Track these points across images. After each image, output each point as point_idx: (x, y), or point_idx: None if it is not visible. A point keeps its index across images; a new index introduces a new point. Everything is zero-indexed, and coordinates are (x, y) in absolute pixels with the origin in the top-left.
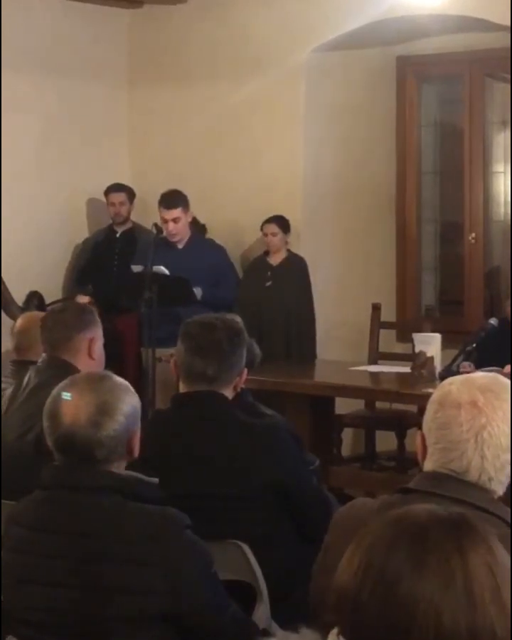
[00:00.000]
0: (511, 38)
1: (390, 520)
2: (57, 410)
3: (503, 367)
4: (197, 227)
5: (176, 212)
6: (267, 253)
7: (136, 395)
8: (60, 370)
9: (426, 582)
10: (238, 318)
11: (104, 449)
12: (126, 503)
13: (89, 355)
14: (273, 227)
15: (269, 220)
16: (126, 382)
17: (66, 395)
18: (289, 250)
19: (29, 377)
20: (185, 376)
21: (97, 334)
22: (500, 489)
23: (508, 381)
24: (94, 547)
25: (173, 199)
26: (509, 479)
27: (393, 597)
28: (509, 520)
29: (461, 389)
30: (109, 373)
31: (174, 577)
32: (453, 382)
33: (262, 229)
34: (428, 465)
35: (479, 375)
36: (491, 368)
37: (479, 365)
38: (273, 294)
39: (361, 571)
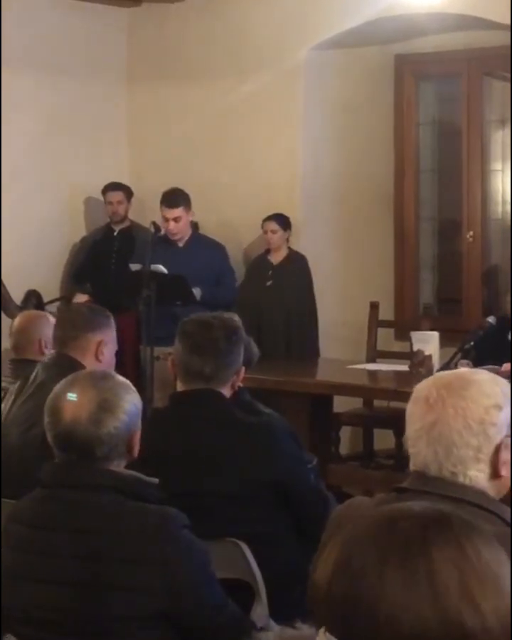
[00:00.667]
0: (511, 38)
1: (368, 516)
2: (58, 407)
3: (500, 365)
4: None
5: (178, 211)
6: (268, 251)
7: (138, 394)
8: (67, 367)
9: (388, 579)
10: (236, 317)
11: (105, 447)
12: (126, 503)
13: (97, 357)
14: (273, 225)
15: (269, 218)
16: (128, 382)
17: (71, 396)
18: (289, 248)
19: (36, 373)
20: (182, 375)
21: (107, 337)
22: (481, 483)
23: (476, 377)
24: (93, 545)
25: (175, 198)
26: (485, 473)
27: (358, 593)
28: (504, 518)
29: (424, 385)
30: (112, 372)
31: (172, 577)
32: (427, 379)
33: (262, 226)
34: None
35: (452, 371)
36: (488, 366)
37: (477, 364)
38: (274, 293)
39: (333, 566)
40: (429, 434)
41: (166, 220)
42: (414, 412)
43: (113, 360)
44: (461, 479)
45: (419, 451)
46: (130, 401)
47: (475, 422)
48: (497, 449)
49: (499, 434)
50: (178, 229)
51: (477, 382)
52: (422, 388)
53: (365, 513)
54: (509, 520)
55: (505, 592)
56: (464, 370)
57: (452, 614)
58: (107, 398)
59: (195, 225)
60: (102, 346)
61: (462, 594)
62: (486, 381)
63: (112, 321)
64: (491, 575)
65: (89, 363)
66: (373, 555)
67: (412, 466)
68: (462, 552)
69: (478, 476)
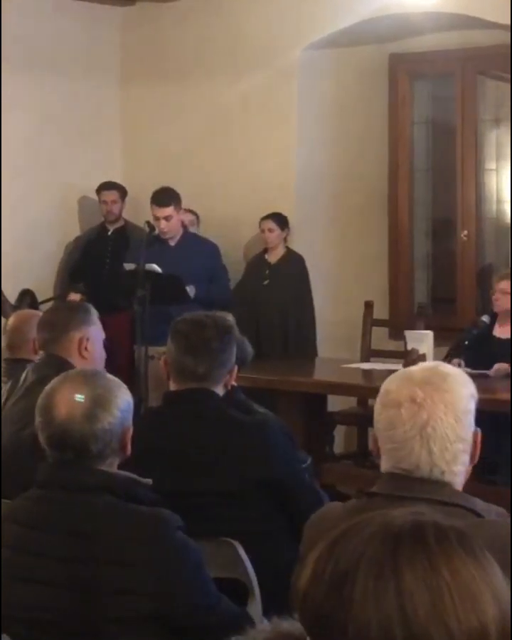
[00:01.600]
0: (511, 38)
1: (347, 527)
2: (50, 406)
3: (492, 365)
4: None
5: (168, 210)
6: (265, 251)
7: (129, 391)
8: (56, 367)
9: (357, 596)
10: (229, 316)
11: (99, 443)
12: (119, 504)
13: (81, 354)
14: (270, 224)
15: (266, 217)
16: (118, 379)
17: (79, 397)
18: (287, 247)
19: (26, 374)
20: (175, 374)
21: (90, 333)
22: (455, 480)
23: (449, 371)
24: (86, 547)
25: (165, 197)
26: (466, 467)
27: (329, 608)
28: (475, 509)
29: (400, 386)
30: (102, 370)
31: (165, 579)
32: (392, 380)
33: (259, 225)
34: (383, 465)
35: (418, 367)
36: (479, 371)
37: (470, 363)
38: (271, 292)
39: (308, 578)
40: (423, 432)
41: (157, 219)
42: (398, 414)
43: (102, 355)
44: (447, 477)
45: (410, 453)
46: (122, 397)
47: (462, 414)
48: (475, 438)
49: (473, 422)
50: (169, 228)
51: (450, 373)
52: (398, 389)
53: (338, 523)
54: (482, 514)
55: (482, 609)
56: (422, 363)
57: (420, 634)
58: (100, 394)
59: (197, 218)
60: (85, 342)
61: (432, 613)
62: (455, 371)
63: (93, 316)
64: (467, 594)
65: (77, 361)
66: (342, 572)
67: (391, 469)
68: (435, 571)
69: (460, 470)
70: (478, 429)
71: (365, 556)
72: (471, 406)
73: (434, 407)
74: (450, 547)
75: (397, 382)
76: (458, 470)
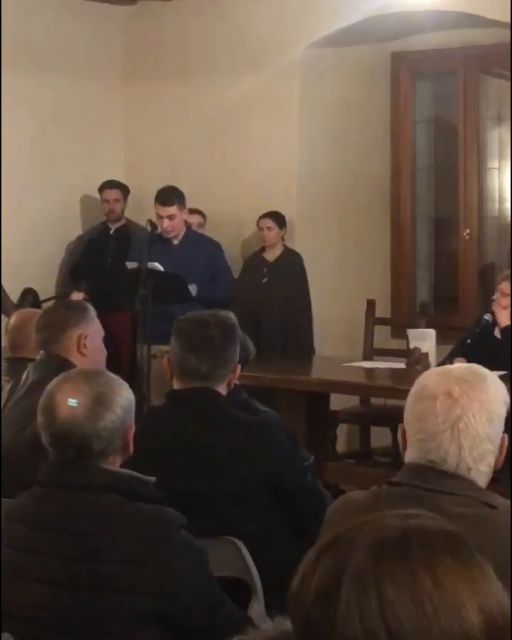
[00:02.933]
0: (511, 36)
1: (340, 533)
2: (52, 405)
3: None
4: (201, 215)
5: (172, 209)
6: (263, 249)
7: (130, 389)
8: (56, 366)
9: (341, 605)
10: (231, 315)
11: (102, 441)
12: (122, 502)
13: (80, 352)
14: (268, 222)
15: (264, 215)
16: (120, 378)
17: (72, 402)
18: (285, 246)
19: (27, 373)
20: (178, 373)
21: (87, 331)
22: (480, 479)
23: (487, 373)
24: (89, 545)
25: (169, 196)
26: (491, 470)
27: (315, 616)
28: (492, 504)
29: (438, 381)
30: (103, 369)
31: (168, 578)
32: (430, 375)
33: (257, 224)
34: (409, 456)
35: (456, 366)
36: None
37: (472, 362)
38: (269, 290)
39: (298, 582)
40: (454, 427)
41: (160, 218)
42: (432, 406)
43: (103, 351)
44: (473, 475)
45: (439, 445)
46: (124, 395)
47: (495, 415)
48: (502, 442)
49: (502, 428)
50: (173, 227)
51: (487, 376)
52: (435, 383)
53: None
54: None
55: (465, 617)
56: (463, 364)
57: None
58: (102, 392)
59: (204, 220)
60: (83, 340)
61: (415, 625)
62: (492, 375)
63: (91, 313)
64: (450, 602)
65: (77, 359)
66: (326, 582)
67: (417, 460)
68: (417, 581)
69: (485, 470)
70: (506, 436)
71: (350, 567)
72: (503, 411)
73: (469, 404)
74: (434, 554)
75: (435, 377)
76: (483, 470)
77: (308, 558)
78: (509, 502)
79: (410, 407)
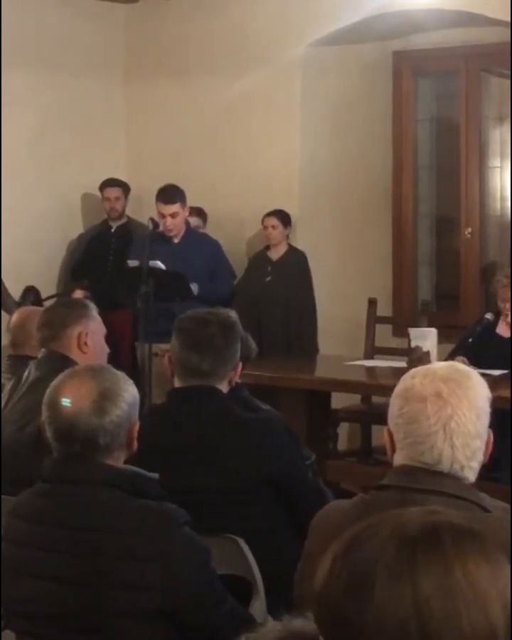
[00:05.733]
0: (511, 35)
1: (360, 529)
2: (58, 400)
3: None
4: (200, 216)
5: (175, 207)
6: (267, 248)
7: (135, 385)
8: (58, 363)
9: (376, 598)
10: (232, 313)
11: (107, 436)
12: (125, 498)
13: (81, 349)
14: (273, 220)
15: (269, 214)
16: (124, 374)
17: (65, 402)
18: (289, 244)
19: (29, 370)
20: (180, 371)
21: (88, 327)
22: (472, 476)
23: (469, 370)
24: (92, 541)
25: (171, 194)
26: (480, 465)
27: (347, 609)
28: (482, 505)
29: (424, 381)
30: (108, 365)
31: (171, 573)
32: (415, 375)
33: (262, 222)
34: (398, 459)
35: (438, 365)
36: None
37: (474, 361)
38: (273, 289)
39: (326, 576)
40: (446, 427)
41: (163, 216)
42: (423, 409)
43: (104, 348)
44: (465, 473)
45: (432, 447)
46: (129, 391)
47: (482, 412)
48: (488, 437)
49: (488, 422)
50: (175, 225)
51: (470, 373)
52: (422, 384)
53: (345, 520)
54: (489, 510)
55: (490, 610)
56: (442, 362)
57: (434, 636)
58: (108, 387)
59: (204, 220)
60: (84, 337)
61: (446, 617)
62: (474, 372)
63: (92, 310)
64: (478, 596)
65: (78, 356)
66: (360, 575)
67: (408, 462)
68: (450, 575)
69: (476, 467)
70: (491, 430)
71: (383, 561)
72: (488, 406)
73: (459, 403)
74: (465, 548)
75: (420, 378)
76: (474, 466)
77: (331, 554)
78: (499, 503)
79: (397, 410)
